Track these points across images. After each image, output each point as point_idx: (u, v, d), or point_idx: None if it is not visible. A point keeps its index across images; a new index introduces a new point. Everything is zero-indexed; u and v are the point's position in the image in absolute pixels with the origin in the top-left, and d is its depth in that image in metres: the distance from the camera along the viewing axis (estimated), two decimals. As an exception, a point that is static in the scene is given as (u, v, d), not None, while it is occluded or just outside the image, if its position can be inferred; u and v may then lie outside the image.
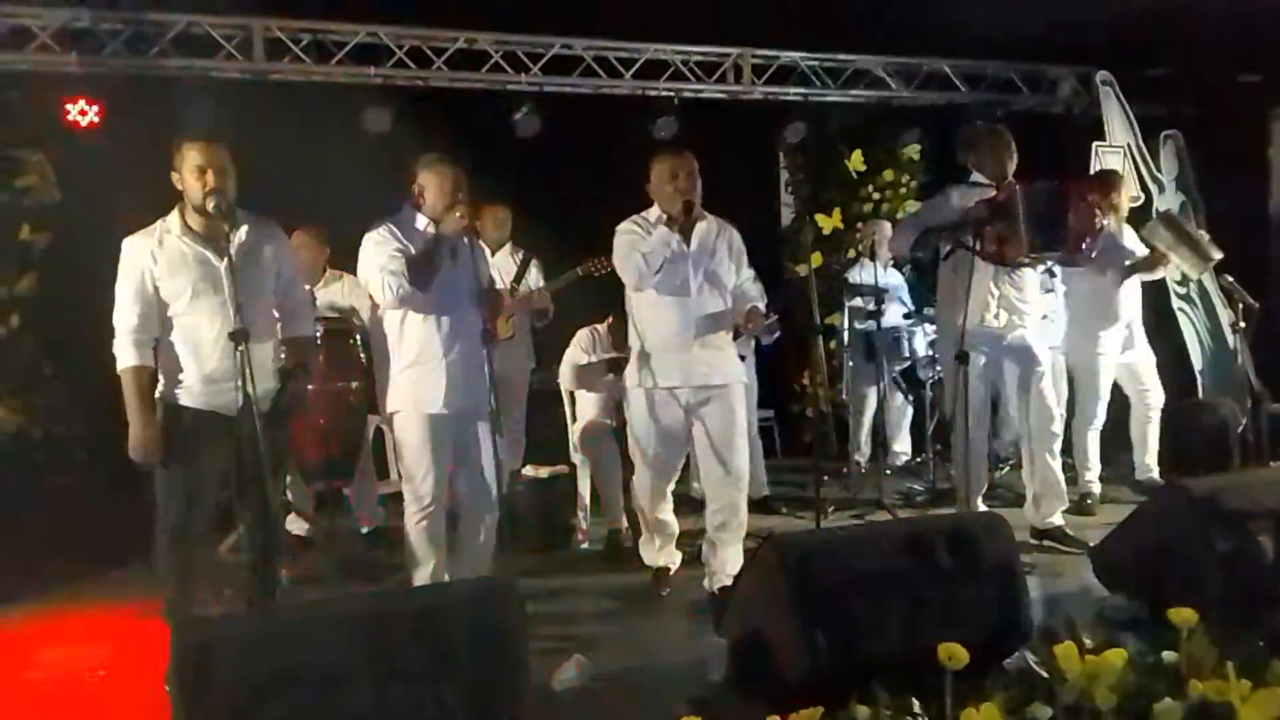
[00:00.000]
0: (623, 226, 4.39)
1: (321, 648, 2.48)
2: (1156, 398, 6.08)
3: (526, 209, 6.04)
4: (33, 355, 6.18)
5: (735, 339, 4.98)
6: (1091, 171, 7.57)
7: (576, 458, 5.62)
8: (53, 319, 6.09)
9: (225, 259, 3.56)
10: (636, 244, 4.27)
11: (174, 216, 3.66)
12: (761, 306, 4.54)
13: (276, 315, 3.86)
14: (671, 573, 4.67)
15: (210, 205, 3.51)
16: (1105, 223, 5.78)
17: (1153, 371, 6.08)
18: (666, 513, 4.64)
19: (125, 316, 3.59)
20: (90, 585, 4.93)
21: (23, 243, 6.17)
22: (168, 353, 3.65)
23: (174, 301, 3.62)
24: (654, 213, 4.36)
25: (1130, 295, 5.93)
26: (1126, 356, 5.98)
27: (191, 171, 3.57)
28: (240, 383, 3.54)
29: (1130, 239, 5.95)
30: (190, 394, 3.65)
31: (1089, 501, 5.82)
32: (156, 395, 3.65)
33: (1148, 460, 6.11)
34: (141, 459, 3.58)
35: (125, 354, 3.59)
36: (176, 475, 3.60)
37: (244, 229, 3.68)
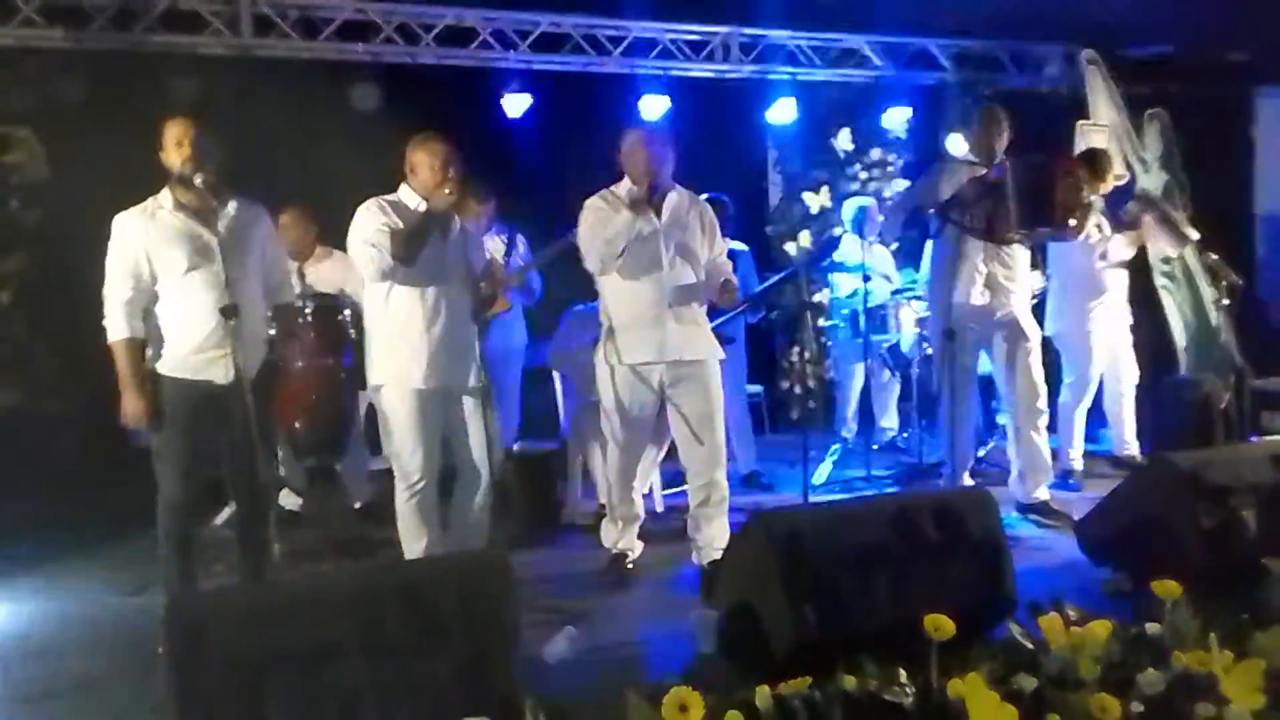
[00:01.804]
0: (590, 203, 4.28)
1: (314, 622, 2.50)
2: (1130, 375, 6.10)
3: (514, 186, 6.02)
4: (24, 333, 6.15)
5: (722, 317, 4.98)
6: (1077, 150, 7.59)
7: (568, 434, 5.64)
8: (44, 296, 6.07)
9: (216, 233, 3.68)
10: (599, 227, 4.16)
11: (165, 193, 3.78)
12: (735, 281, 4.42)
13: (261, 289, 3.98)
14: (630, 559, 4.57)
15: (199, 180, 3.61)
16: (1094, 199, 5.82)
17: (1130, 349, 6.09)
18: (635, 494, 4.55)
19: (117, 290, 3.70)
20: (83, 563, 4.93)
21: (13, 219, 6.15)
22: (159, 325, 3.77)
23: (167, 275, 3.72)
24: (624, 186, 4.26)
25: (1115, 271, 5.95)
26: (1111, 332, 6.00)
27: (173, 146, 3.70)
28: (230, 355, 3.63)
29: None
30: (181, 365, 3.75)
31: (1072, 480, 5.86)
32: (150, 366, 3.75)
33: (1126, 437, 6.14)
34: (134, 425, 3.70)
35: (117, 326, 3.70)
36: (170, 444, 3.72)
37: (233, 205, 3.81)
